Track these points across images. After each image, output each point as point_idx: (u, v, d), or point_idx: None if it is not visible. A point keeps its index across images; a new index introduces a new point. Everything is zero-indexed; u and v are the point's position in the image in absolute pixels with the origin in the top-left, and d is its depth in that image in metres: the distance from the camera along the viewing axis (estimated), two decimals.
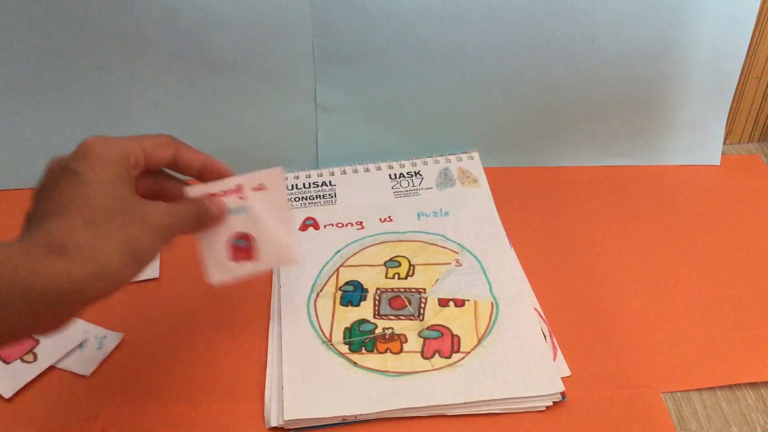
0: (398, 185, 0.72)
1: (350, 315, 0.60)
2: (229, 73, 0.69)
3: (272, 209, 0.50)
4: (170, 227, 0.44)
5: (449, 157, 0.75)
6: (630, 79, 0.71)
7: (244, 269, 0.51)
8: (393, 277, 0.63)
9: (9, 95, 0.68)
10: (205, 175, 0.49)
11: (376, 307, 0.60)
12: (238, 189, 0.50)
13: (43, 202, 0.41)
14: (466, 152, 0.75)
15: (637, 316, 0.60)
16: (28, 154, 0.71)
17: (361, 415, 0.52)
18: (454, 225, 0.68)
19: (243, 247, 0.50)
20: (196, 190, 0.49)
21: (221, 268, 0.50)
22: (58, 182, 0.41)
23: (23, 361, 0.56)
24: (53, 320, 0.40)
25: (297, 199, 0.71)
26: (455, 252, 0.65)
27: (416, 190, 0.72)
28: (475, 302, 0.60)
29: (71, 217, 0.40)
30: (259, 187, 0.50)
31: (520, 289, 0.62)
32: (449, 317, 0.59)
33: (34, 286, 0.37)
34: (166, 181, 0.49)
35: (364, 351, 0.57)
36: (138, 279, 0.63)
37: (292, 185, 0.72)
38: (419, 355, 0.57)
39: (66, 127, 0.70)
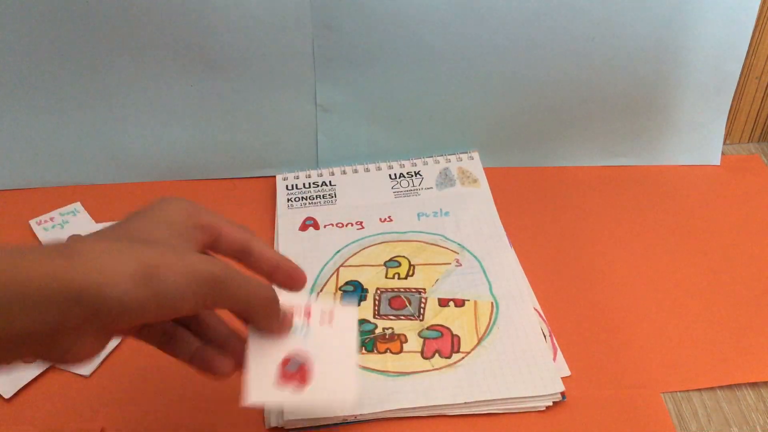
0: (398, 185, 0.72)
1: None
2: (229, 73, 0.69)
3: (336, 345, 0.46)
4: (214, 279, 0.38)
5: (449, 157, 0.75)
6: (630, 78, 0.71)
7: (288, 398, 0.44)
8: (393, 277, 0.63)
9: (9, 95, 0.68)
10: (277, 277, 0.45)
11: (376, 307, 0.60)
12: (306, 313, 0.46)
13: None
14: (466, 152, 0.75)
15: (637, 316, 0.60)
16: (28, 154, 0.71)
17: (361, 415, 0.52)
18: (454, 225, 0.68)
19: (294, 371, 0.44)
20: None
21: (264, 389, 0.43)
22: None
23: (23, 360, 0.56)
24: (60, 337, 0.35)
25: (297, 199, 0.71)
26: (455, 252, 0.65)
27: (416, 190, 0.72)
28: (475, 302, 0.60)
29: (98, 234, 0.38)
30: (328, 318, 0.47)
31: (520, 289, 0.62)
32: (449, 317, 0.59)
33: (29, 282, 0.33)
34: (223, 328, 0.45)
35: (364, 351, 0.57)
36: None
37: (292, 185, 0.72)
38: (419, 355, 0.56)
39: (66, 127, 0.70)
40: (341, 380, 0.45)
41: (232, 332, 0.45)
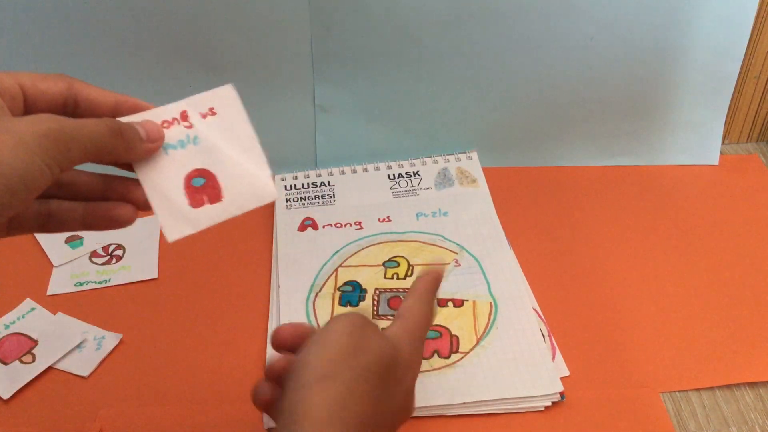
0: (397, 185, 0.72)
1: None
2: (227, 73, 0.69)
3: (230, 137, 0.41)
4: (56, 137, 0.33)
5: (448, 157, 0.75)
6: (629, 79, 0.71)
7: (209, 215, 0.40)
8: (392, 278, 0.63)
9: None
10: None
11: (375, 308, 0.60)
12: (183, 117, 0.41)
13: None
14: (465, 152, 0.75)
15: (636, 316, 0.60)
16: None
17: None
18: (453, 225, 0.68)
19: (202, 186, 0.40)
20: (127, 119, 0.40)
21: (181, 219, 0.40)
22: None
23: (22, 362, 0.56)
24: None
25: (296, 200, 0.71)
26: (454, 252, 0.65)
27: (415, 190, 0.72)
28: (474, 302, 0.60)
29: None
30: (210, 112, 0.41)
31: (519, 289, 0.62)
32: (448, 317, 0.59)
33: None
34: (115, 182, 0.40)
35: None
36: (137, 279, 0.63)
37: (291, 185, 0.72)
38: None
39: None
40: (253, 168, 0.41)
41: (107, 177, 0.40)
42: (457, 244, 0.66)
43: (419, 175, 0.73)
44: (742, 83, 0.75)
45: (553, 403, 0.54)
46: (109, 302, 0.62)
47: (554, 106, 0.73)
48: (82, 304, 0.61)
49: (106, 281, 0.63)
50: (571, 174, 0.75)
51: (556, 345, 0.58)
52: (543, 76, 0.71)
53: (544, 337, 0.58)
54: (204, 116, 0.41)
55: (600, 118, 0.74)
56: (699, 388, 0.55)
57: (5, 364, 0.56)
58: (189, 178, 0.40)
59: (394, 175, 0.73)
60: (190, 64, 0.68)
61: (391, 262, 0.64)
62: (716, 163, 0.76)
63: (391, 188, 0.72)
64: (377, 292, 0.62)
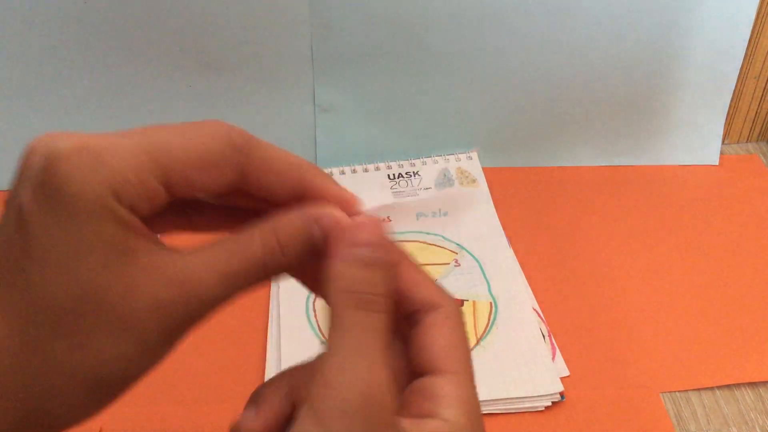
0: (397, 185, 0.72)
1: None
2: (227, 73, 0.69)
3: None
4: (181, 319, 0.25)
5: (448, 157, 0.75)
6: (629, 78, 0.71)
7: None
8: None
9: (9, 95, 0.68)
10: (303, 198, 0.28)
11: None
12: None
13: None
14: (465, 152, 0.75)
15: (636, 316, 0.60)
16: None
17: None
18: (453, 225, 0.68)
19: None
20: None
21: None
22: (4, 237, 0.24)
23: None
24: None
25: None
26: (454, 252, 0.65)
27: (415, 190, 0.72)
28: (474, 302, 0.60)
29: None
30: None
31: (519, 289, 0.62)
32: None
33: None
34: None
35: None
36: None
37: None
38: None
39: (65, 127, 0.70)
40: None
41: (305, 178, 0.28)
42: (457, 244, 0.66)
43: (419, 175, 0.73)
44: (742, 83, 0.75)
45: (553, 403, 0.54)
46: None
47: (554, 106, 0.73)
48: None
49: None
50: (571, 174, 0.75)
51: (556, 345, 0.58)
52: (543, 76, 0.71)
53: (544, 337, 0.58)
54: None
55: (600, 118, 0.74)
56: (699, 388, 0.55)
57: None
58: None
59: (394, 175, 0.73)
60: (189, 63, 0.68)
61: None
62: (716, 163, 0.76)
63: (391, 188, 0.72)
64: None
